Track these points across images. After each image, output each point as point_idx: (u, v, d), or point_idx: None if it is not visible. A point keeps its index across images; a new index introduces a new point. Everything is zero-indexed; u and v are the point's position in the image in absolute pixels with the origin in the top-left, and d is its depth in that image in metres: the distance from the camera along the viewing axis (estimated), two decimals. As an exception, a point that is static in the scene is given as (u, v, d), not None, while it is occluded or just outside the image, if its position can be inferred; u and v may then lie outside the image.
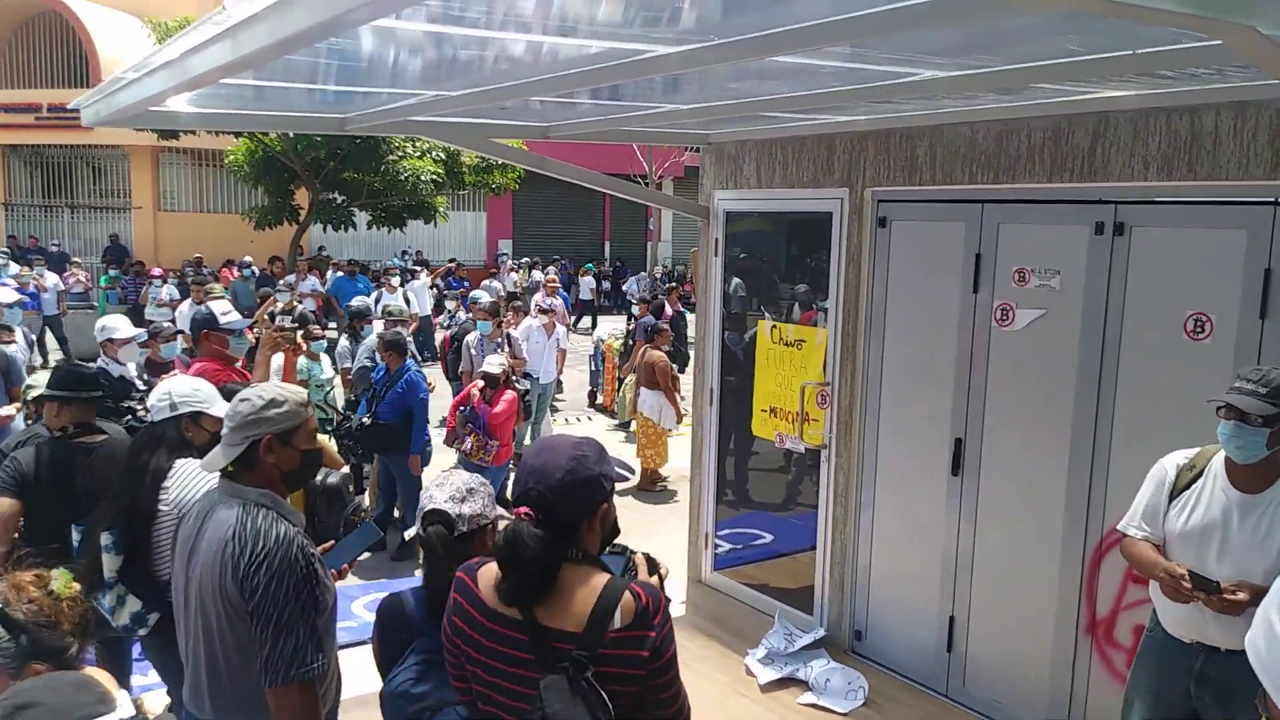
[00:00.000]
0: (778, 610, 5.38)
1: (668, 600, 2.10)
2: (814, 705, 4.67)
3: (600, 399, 12.85)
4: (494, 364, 7.22)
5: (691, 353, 12.11)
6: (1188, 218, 3.72)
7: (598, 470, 2.07)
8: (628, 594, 1.98)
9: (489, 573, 2.08)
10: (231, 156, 19.44)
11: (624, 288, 23.24)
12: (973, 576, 4.54)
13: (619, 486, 8.90)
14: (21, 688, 1.74)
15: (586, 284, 21.88)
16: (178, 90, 3.15)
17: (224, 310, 4.76)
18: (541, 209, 29.18)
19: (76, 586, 2.23)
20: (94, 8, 23.72)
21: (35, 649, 2.10)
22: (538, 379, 9.53)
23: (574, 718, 1.89)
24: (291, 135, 17.14)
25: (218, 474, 2.71)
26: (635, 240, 30.61)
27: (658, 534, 7.60)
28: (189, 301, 11.41)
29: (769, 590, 5.64)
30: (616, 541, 2.23)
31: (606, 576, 2.04)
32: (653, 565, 2.33)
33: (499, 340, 8.59)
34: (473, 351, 8.73)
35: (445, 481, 2.60)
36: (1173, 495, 3.17)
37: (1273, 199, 3.45)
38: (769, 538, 5.97)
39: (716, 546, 5.98)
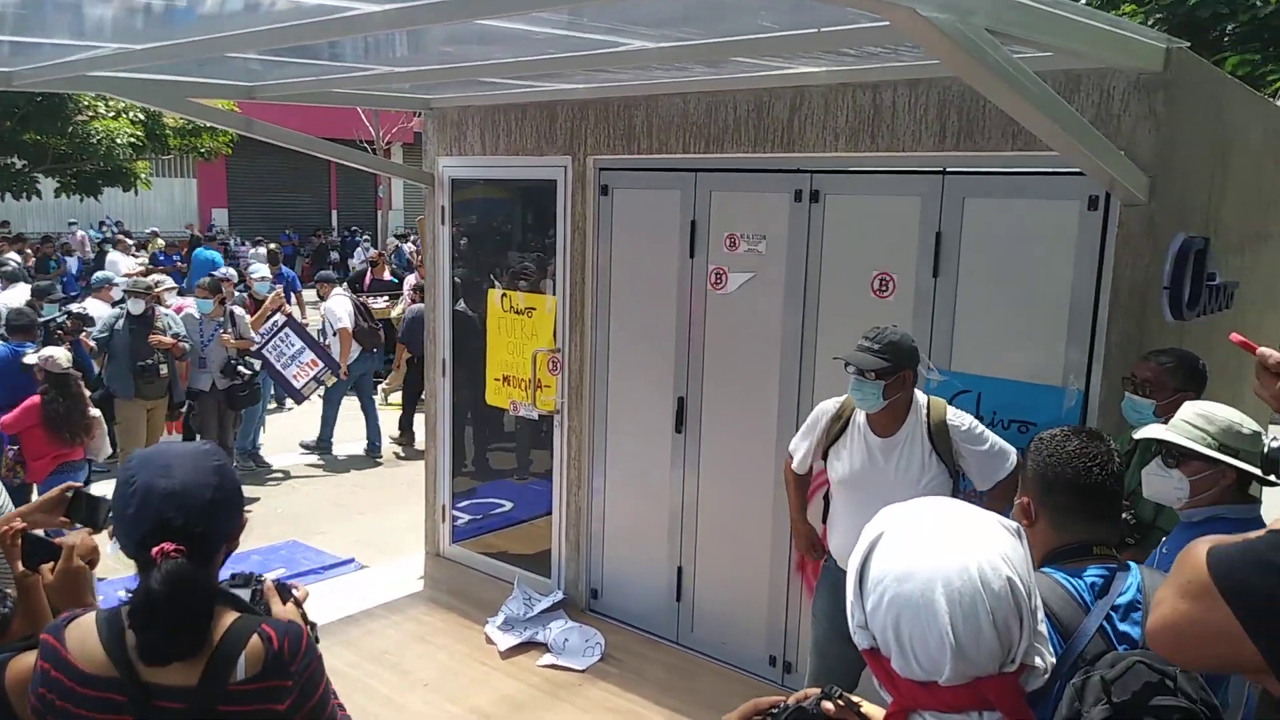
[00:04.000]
0: (517, 577, 5.42)
1: (312, 636, 1.80)
2: (553, 665, 4.76)
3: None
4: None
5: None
6: (872, 186, 4.08)
7: (238, 479, 1.82)
8: (255, 636, 1.68)
9: (81, 629, 1.71)
10: None
11: (352, 259, 22.14)
12: (698, 528, 4.78)
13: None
14: None
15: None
16: None
17: None
18: (260, 176, 27.36)
19: None
20: None
21: None
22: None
23: None
24: (-47, 90, 15.02)
25: None
26: (365, 208, 29.49)
27: (396, 511, 7.43)
28: None
29: (508, 558, 5.68)
30: (239, 571, 1.92)
31: (231, 615, 1.72)
32: (285, 592, 1.95)
33: (220, 319, 7.97)
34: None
35: None
36: (829, 444, 3.51)
37: (940, 169, 3.84)
38: (508, 506, 5.99)
39: (455, 519, 5.93)
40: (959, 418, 3.36)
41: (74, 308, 7.88)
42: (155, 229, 21.73)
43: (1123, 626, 1.88)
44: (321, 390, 8.94)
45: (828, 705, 1.44)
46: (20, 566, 2.08)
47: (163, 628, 1.64)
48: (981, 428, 3.38)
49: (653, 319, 4.81)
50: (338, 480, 8.51)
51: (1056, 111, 2.83)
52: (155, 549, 1.66)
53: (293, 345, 8.29)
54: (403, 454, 9.48)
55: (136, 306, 7.26)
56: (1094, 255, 3.51)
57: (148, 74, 4.45)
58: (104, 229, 21.26)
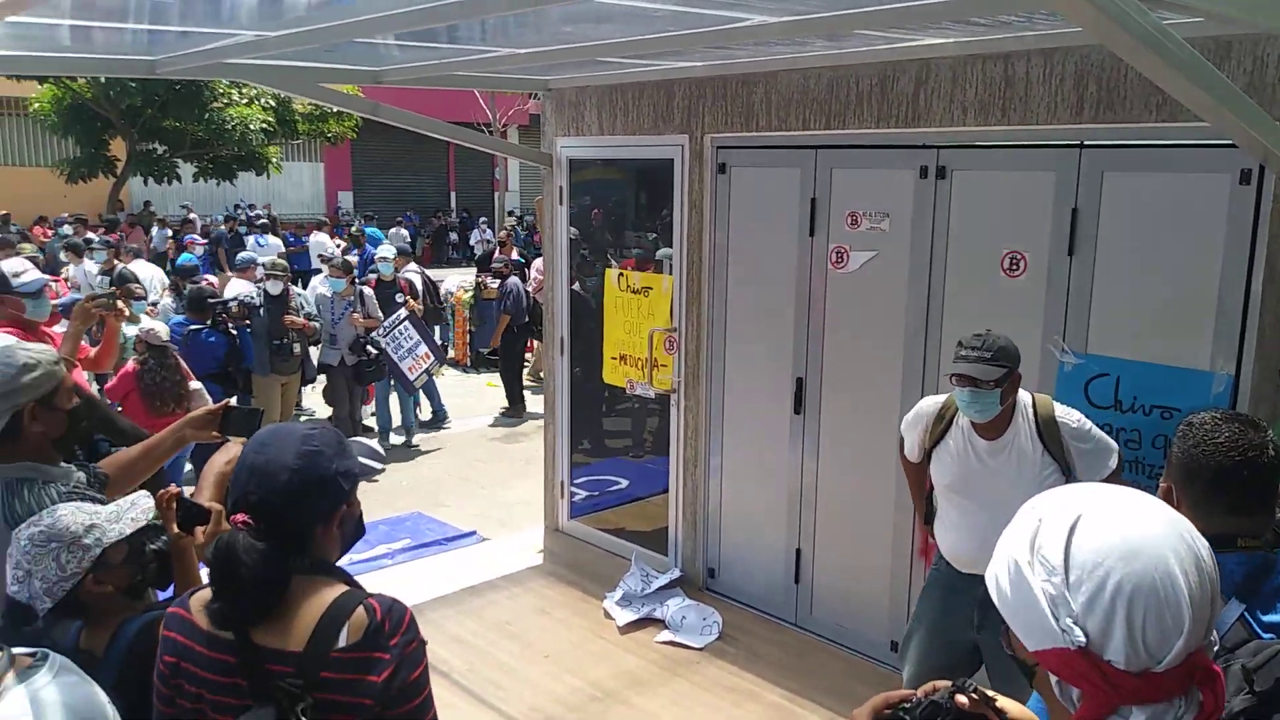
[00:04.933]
0: (634, 553, 5.48)
1: (414, 617, 1.80)
2: (671, 642, 4.81)
3: (452, 353, 12.65)
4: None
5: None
6: (1003, 161, 3.92)
7: (334, 467, 1.80)
8: (360, 608, 1.73)
9: (204, 595, 1.81)
10: (36, 105, 17.92)
11: (470, 240, 22.53)
12: (816, 510, 4.73)
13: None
14: None
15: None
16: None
17: (16, 270, 4.37)
18: (383, 159, 28.19)
19: None
20: None
21: None
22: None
23: None
24: (103, 80, 15.91)
25: None
26: (482, 190, 30.06)
27: (517, 485, 7.60)
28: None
29: (625, 534, 5.74)
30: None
31: (340, 588, 1.78)
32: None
33: (350, 299, 8.29)
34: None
35: (11, 553, 2.12)
36: (932, 445, 3.41)
37: (1078, 142, 3.67)
38: (624, 483, 6.06)
39: (573, 495, 6.02)
40: (1068, 414, 3.24)
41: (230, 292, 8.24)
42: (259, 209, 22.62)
43: (1268, 617, 1.79)
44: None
45: (961, 700, 1.36)
46: (175, 529, 2.21)
47: (218, 594, 1.75)
48: (1089, 423, 3.24)
49: (770, 298, 4.76)
50: (457, 454, 8.75)
51: (1208, 79, 2.66)
52: (232, 517, 1.78)
53: (410, 339, 8.55)
54: (514, 426, 9.71)
55: (275, 287, 7.60)
56: (1246, 232, 3.30)
57: (281, 60, 4.61)
58: (238, 211, 22.25)
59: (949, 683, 1.38)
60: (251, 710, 1.68)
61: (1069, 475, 3.22)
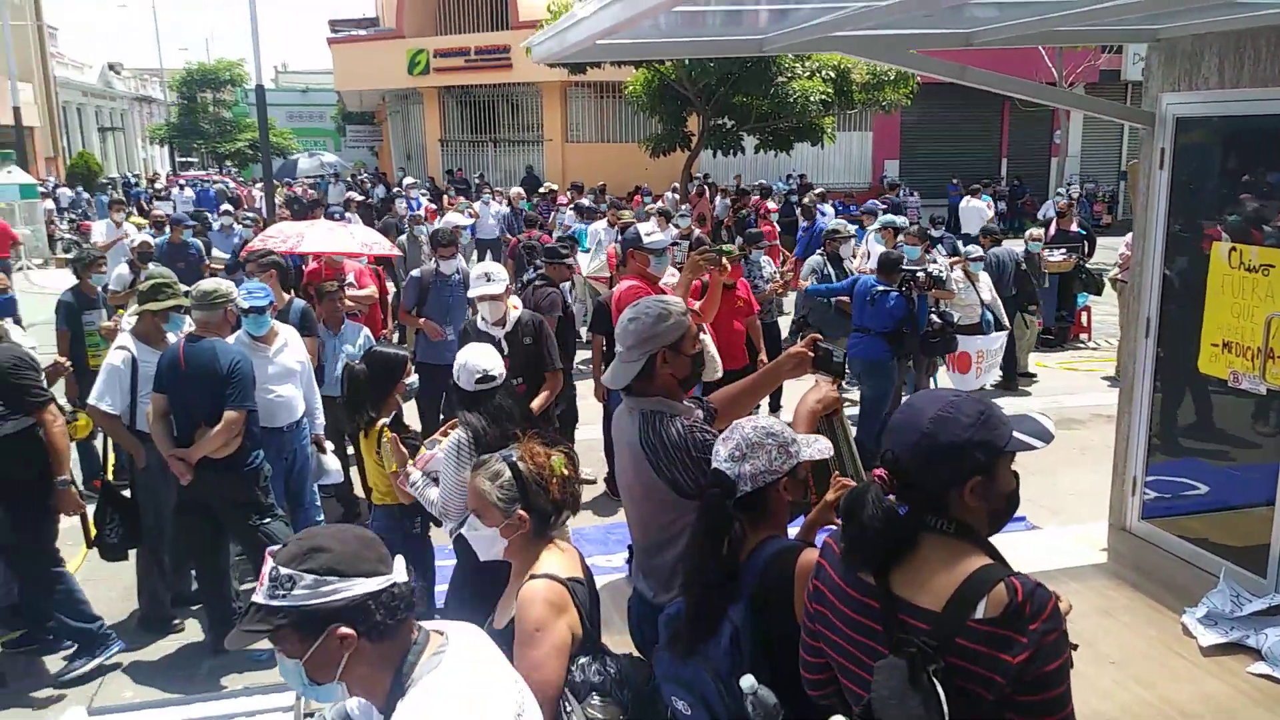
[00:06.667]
0: (1222, 569, 4.80)
1: (1058, 606, 1.75)
2: (1268, 677, 4.14)
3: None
4: None
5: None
6: None
7: (967, 436, 1.79)
8: (1001, 584, 1.72)
9: None
10: (630, 88, 20.49)
11: (1040, 213, 21.04)
12: None
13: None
14: (315, 532, 1.87)
15: (975, 210, 17.96)
16: (630, 22, 3.32)
17: (648, 231, 5.05)
18: (931, 127, 27.69)
19: (566, 470, 2.67)
20: (511, -47, 25.96)
21: (525, 501, 2.56)
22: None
23: (904, 714, 1.65)
24: (686, 63, 17.67)
25: None
26: (1037, 157, 28.23)
27: (1066, 474, 7.10)
28: (603, 223, 12.31)
29: (1208, 545, 5.04)
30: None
31: (983, 560, 1.79)
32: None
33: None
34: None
35: (730, 434, 2.43)
36: None
37: None
38: (1206, 488, 5.32)
39: (1145, 493, 5.44)
40: None
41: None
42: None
43: None
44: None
45: None
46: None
47: (846, 534, 1.89)
48: None
49: None
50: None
51: None
52: (873, 470, 1.90)
53: None
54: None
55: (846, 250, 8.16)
56: None
57: (875, 30, 4.70)
58: (789, 181, 23.47)
59: None
60: (885, 659, 1.74)
61: None
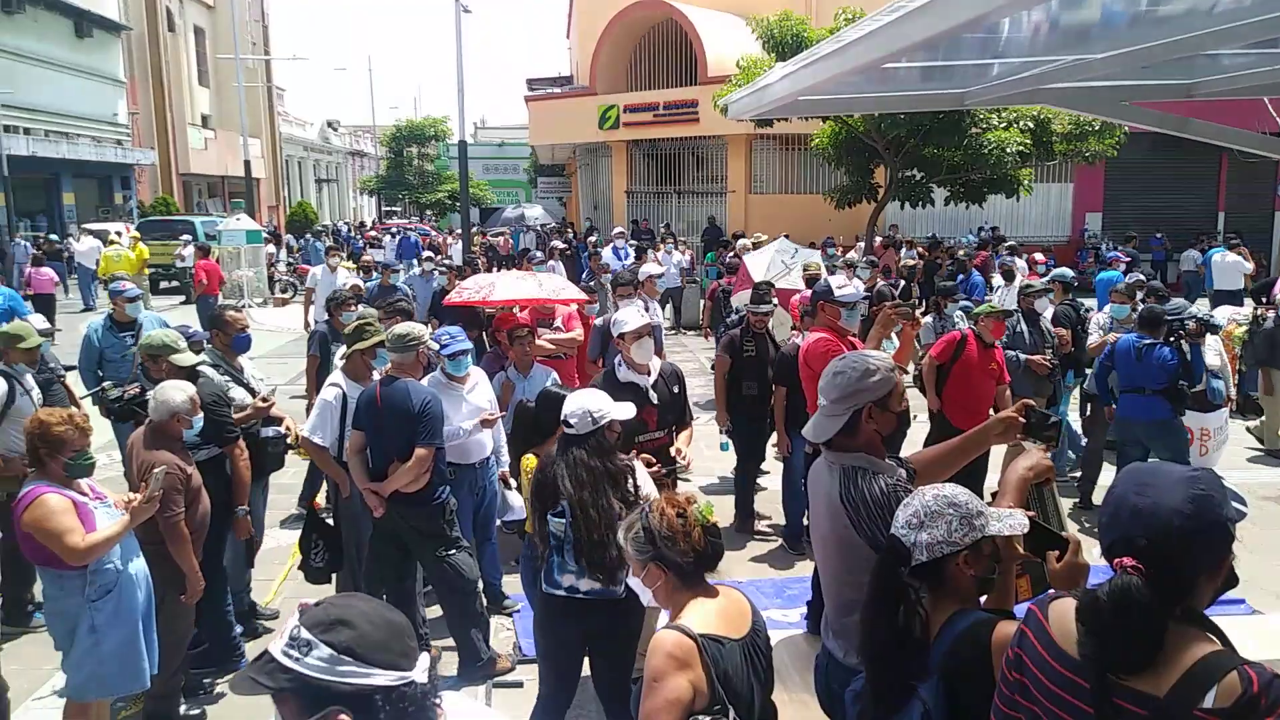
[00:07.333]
0: None
1: None
2: None
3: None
4: None
5: None
6: None
7: (1224, 514, 1.71)
8: (1235, 673, 1.61)
9: (1063, 607, 1.83)
10: (816, 140, 20.46)
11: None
12: None
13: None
14: (350, 604, 1.72)
15: (1233, 266, 15.69)
16: (831, 81, 3.35)
17: (839, 284, 5.01)
18: (1139, 177, 26.15)
19: (707, 519, 2.65)
20: (703, 12, 26.56)
21: (655, 553, 2.59)
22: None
23: None
24: (876, 115, 17.49)
25: None
26: (1258, 208, 26.17)
27: (1295, 556, 6.46)
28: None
29: None
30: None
31: (1213, 645, 1.68)
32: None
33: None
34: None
35: (911, 500, 2.36)
36: None
37: None
38: None
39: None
40: None
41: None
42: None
43: None
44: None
45: None
46: (1021, 549, 2.34)
47: (1099, 635, 1.70)
48: None
49: None
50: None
51: None
52: (1116, 560, 1.73)
53: None
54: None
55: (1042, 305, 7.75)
56: None
57: (1089, 82, 4.53)
58: (980, 234, 22.70)
59: None
60: None
61: None
